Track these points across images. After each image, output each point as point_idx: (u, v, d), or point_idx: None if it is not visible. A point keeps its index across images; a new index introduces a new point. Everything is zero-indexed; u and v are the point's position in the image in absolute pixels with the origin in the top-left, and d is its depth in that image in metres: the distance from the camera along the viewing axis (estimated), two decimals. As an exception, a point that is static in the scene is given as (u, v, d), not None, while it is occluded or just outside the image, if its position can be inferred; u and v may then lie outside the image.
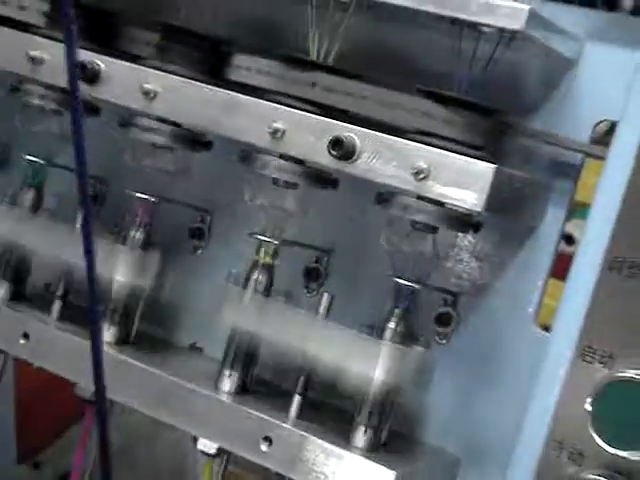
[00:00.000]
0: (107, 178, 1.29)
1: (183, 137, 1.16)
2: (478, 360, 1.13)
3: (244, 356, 1.13)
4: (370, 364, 1.05)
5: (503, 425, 1.08)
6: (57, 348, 1.20)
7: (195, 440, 1.11)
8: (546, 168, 1.09)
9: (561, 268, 1.03)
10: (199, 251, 1.28)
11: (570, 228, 1.08)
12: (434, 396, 1.13)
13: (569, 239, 1.08)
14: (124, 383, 1.13)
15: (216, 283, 1.21)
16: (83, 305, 1.16)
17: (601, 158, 0.97)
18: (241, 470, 1.38)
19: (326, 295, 1.10)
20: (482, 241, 1.11)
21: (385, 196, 1.04)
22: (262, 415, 1.08)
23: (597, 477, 0.85)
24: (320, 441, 1.05)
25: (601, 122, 1.06)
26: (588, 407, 0.86)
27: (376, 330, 1.07)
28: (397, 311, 1.06)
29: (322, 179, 1.09)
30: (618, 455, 0.85)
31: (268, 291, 1.13)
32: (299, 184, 1.08)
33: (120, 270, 1.19)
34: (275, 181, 1.09)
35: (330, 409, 1.12)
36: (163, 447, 1.37)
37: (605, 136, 1.04)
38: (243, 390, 1.13)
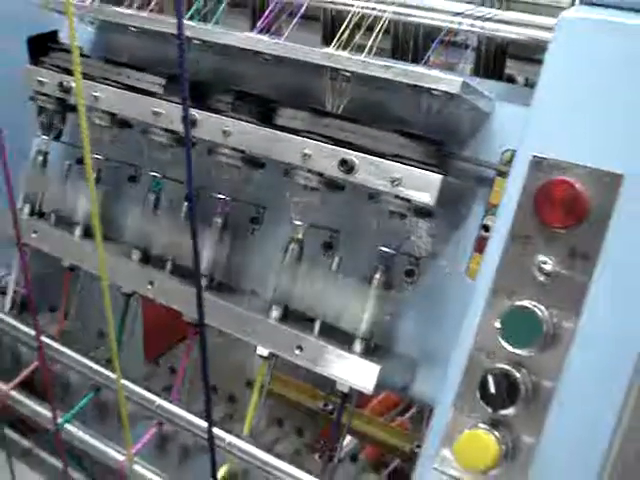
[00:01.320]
0: (200, 186, 1.27)
1: (247, 160, 1.16)
2: (431, 299, 1.12)
3: (285, 296, 1.13)
4: (364, 301, 1.07)
5: (446, 339, 1.04)
6: (171, 291, 1.22)
7: (255, 348, 1.13)
8: (472, 179, 1.08)
9: (481, 246, 1.03)
10: (255, 232, 1.26)
11: (487, 221, 1.06)
12: (403, 321, 1.13)
13: (486, 228, 1.09)
14: (213, 313, 1.13)
15: (266, 252, 1.23)
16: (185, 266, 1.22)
17: (505, 174, 0.99)
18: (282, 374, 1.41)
19: (337, 258, 1.12)
20: (433, 224, 1.09)
21: (374, 195, 1.06)
22: (296, 332, 1.09)
23: (503, 366, 0.87)
24: (332, 347, 1.06)
25: (506, 151, 1.05)
26: (497, 325, 0.87)
27: (368, 280, 1.08)
28: (381, 267, 1.08)
29: (334, 185, 1.10)
30: (515, 352, 0.87)
31: (300, 255, 1.14)
32: (319, 188, 1.09)
33: (207, 245, 1.20)
34: (305, 187, 1.10)
35: (339, 331, 1.09)
36: (234, 354, 1.38)
37: (508, 160, 1.05)
38: (284, 317, 1.13)
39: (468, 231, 1.10)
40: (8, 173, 1.00)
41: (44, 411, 1.29)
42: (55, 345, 1.31)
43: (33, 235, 1.33)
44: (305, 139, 1.08)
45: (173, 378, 1.34)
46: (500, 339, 0.88)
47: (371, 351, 1.08)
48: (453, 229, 1.10)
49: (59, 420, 1.24)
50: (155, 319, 1.50)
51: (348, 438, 1.44)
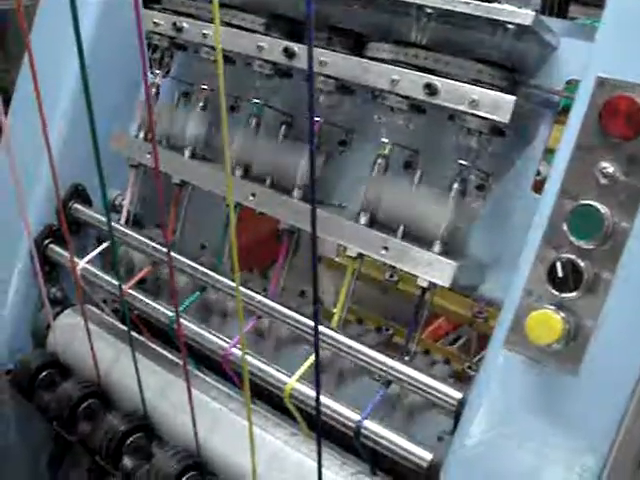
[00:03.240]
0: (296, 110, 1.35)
1: (340, 87, 1.23)
2: (500, 211, 1.18)
3: (372, 204, 1.19)
4: (443, 208, 1.14)
5: (512, 246, 1.09)
6: (270, 202, 1.28)
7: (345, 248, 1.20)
8: (539, 104, 1.14)
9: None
10: (343, 154, 1.32)
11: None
12: (474, 230, 1.18)
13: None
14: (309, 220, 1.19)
15: (352, 171, 1.30)
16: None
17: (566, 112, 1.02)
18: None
19: (419, 172, 1.19)
20: (504, 143, 1.14)
21: (453, 116, 1.12)
22: (381, 234, 1.16)
23: (569, 255, 0.93)
24: (414, 247, 1.13)
25: (570, 80, 1.11)
26: (564, 220, 0.93)
27: (447, 189, 1.15)
28: (458, 179, 1.15)
29: (417, 108, 1.16)
30: (579, 245, 0.93)
31: (386, 169, 1.20)
32: (405, 110, 1.15)
33: (303, 162, 1.27)
34: (392, 109, 1.16)
35: (418, 237, 1.15)
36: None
37: (572, 89, 1.08)
38: (372, 222, 1.19)
39: (534, 150, 1.16)
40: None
41: (158, 306, 1.38)
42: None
43: (147, 156, 1.42)
44: (393, 66, 1.14)
45: (266, 283, 1.42)
46: (567, 233, 0.94)
47: (447, 253, 1.14)
48: (521, 148, 1.17)
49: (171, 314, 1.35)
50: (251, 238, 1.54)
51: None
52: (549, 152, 1.12)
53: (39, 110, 1.08)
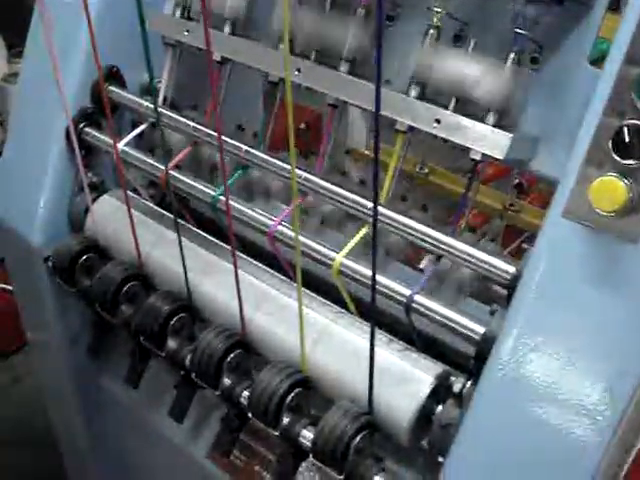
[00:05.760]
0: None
1: None
2: (555, 84, 1.14)
3: (424, 75, 1.15)
4: (498, 76, 1.10)
5: (567, 121, 1.09)
6: (316, 76, 1.24)
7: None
8: None
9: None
10: (390, 28, 1.27)
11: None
12: (528, 103, 1.15)
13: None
14: (355, 93, 1.19)
15: (400, 43, 1.25)
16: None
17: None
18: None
19: (473, 41, 1.14)
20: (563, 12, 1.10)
21: None
22: (433, 106, 1.13)
23: (636, 122, 0.90)
24: (468, 119, 1.10)
25: None
26: (631, 85, 0.90)
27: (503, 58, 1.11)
28: (515, 47, 1.10)
29: None
30: None
31: (437, 39, 1.16)
32: None
33: (351, 33, 1.22)
34: None
35: (469, 111, 1.12)
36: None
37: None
38: (422, 96, 1.16)
39: (592, 22, 1.11)
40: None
41: (201, 186, 1.37)
42: (206, 130, 1.38)
43: (185, 33, 1.38)
44: None
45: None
46: (633, 99, 0.90)
47: (500, 126, 1.11)
48: (579, 19, 1.12)
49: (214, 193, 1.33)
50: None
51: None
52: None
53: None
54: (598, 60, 1.10)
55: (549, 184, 1.13)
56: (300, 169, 1.27)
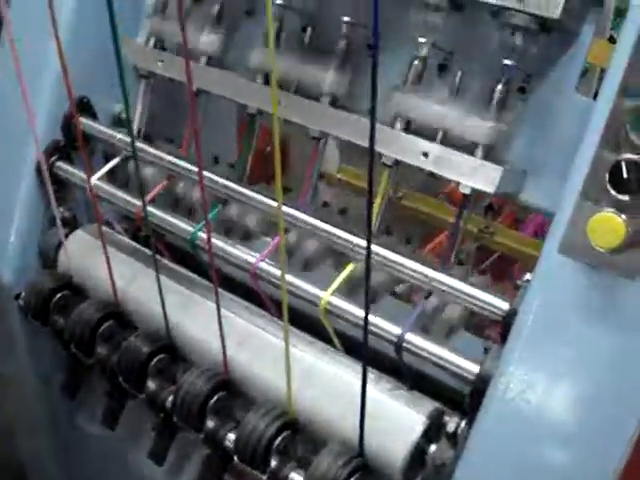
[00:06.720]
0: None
1: None
2: (542, 115, 1.11)
3: (408, 109, 1.12)
4: (486, 111, 1.07)
5: (555, 152, 1.09)
6: (296, 108, 1.21)
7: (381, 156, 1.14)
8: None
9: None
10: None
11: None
12: (515, 135, 1.12)
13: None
14: (338, 125, 1.15)
15: (383, 74, 1.22)
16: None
17: None
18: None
19: (459, 73, 1.13)
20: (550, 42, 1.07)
21: (497, 12, 1.04)
22: (420, 139, 1.10)
23: (633, 156, 0.87)
24: (456, 152, 1.08)
25: None
26: (627, 118, 0.88)
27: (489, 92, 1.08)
28: (502, 79, 1.08)
29: (456, 4, 1.09)
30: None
31: (422, 72, 1.14)
32: (443, 7, 1.08)
33: (331, 68, 1.20)
34: (428, 5, 1.08)
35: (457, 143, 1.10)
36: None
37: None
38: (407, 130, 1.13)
39: (579, 50, 1.09)
40: None
41: (178, 222, 1.32)
42: (181, 163, 1.33)
43: (159, 64, 1.34)
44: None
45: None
46: (629, 132, 0.88)
47: (489, 159, 1.09)
48: (566, 47, 1.10)
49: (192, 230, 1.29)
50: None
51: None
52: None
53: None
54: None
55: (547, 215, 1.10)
56: (285, 205, 1.22)
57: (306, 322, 1.25)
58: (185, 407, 1.21)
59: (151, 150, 1.38)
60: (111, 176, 1.49)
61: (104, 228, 1.45)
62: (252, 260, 1.23)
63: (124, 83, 1.02)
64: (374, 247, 1.13)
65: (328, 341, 1.22)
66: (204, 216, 1.13)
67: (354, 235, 1.17)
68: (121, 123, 1.50)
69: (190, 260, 1.38)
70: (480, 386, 1.02)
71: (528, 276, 1.02)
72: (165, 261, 1.40)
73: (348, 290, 1.18)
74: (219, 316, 1.13)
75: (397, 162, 1.13)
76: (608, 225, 0.88)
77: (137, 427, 1.47)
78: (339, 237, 1.18)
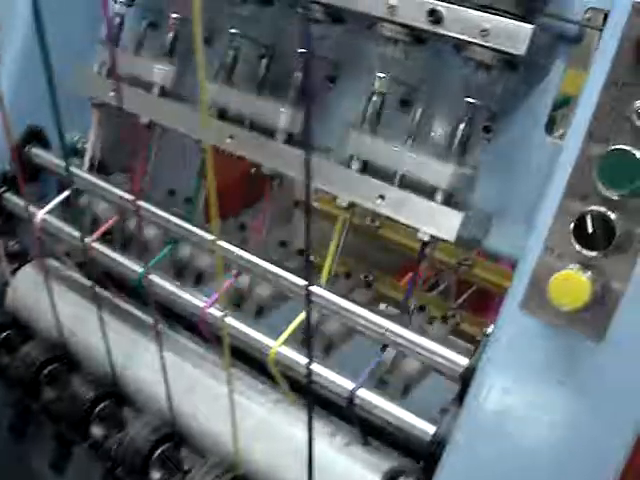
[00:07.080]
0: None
1: (330, 13, 1.06)
2: (509, 156, 1.05)
3: (365, 149, 1.05)
4: (447, 153, 1.02)
5: (522, 196, 1.03)
6: (250, 144, 1.15)
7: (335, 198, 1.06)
8: (555, 35, 1.00)
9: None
10: (331, 90, 1.17)
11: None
12: (479, 178, 1.05)
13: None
14: (293, 164, 1.08)
15: (341, 109, 1.17)
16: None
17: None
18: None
19: (420, 110, 1.06)
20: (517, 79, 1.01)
21: (460, 48, 0.97)
22: (376, 181, 1.03)
23: (599, 208, 0.81)
24: (415, 196, 1.00)
25: (589, 9, 0.97)
26: (594, 167, 0.81)
27: (450, 133, 1.03)
28: (465, 118, 1.01)
29: (417, 38, 1.01)
30: (610, 196, 0.80)
31: (381, 109, 1.06)
32: (404, 40, 1.00)
33: (286, 103, 1.13)
34: (388, 39, 1.00)
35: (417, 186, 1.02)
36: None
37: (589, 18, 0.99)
38: (363, 170, 1.06)
39: (549, 87, 1.03)
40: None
41: (126, 261, 1.24)
42: (128, 197, 1.26)
43: (111, 94, 1.26)
44: (390, -10, 0.98)
45: (243, 235, 1.28)
46: (596, 182, 0.81)
47: (450, 203, 1.02)
48: (534, 84, 1.03)
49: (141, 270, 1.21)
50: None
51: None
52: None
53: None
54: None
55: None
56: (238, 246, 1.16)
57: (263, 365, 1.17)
58: (128, 459, 1.14)
59: (100, 183, 1.30)
60: (66, 206, 1.41)
61: (56, 263, 1.39)
62: (200, 305, 1.15)
63: (58, 112, 0.96)
64: (326, 294, 1.06)
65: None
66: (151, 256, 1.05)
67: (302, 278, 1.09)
68: (77, 153, 1.42)
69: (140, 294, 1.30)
70: (435, 450, 0.94)
71: (490, 329, 0.94)
72: (116, 300, 1.32)
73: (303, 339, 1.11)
74: (163, 364, 1.06)
75: (352, 204, 1.05)
76: (571, 284, 0.81)
77: (87, 473, 1.39)
78: (284, 279, 1.10)
